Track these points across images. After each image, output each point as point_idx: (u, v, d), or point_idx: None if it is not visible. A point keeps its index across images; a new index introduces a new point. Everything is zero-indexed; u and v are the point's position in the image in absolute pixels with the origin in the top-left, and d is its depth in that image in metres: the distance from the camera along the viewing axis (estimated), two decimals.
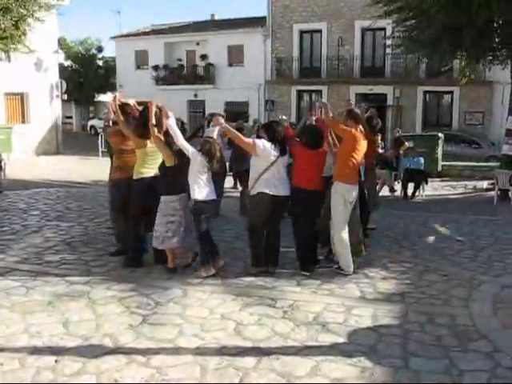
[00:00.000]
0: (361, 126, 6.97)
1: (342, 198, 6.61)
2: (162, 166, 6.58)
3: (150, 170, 6.79)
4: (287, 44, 31.07)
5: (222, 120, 6.55)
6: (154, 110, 6.58)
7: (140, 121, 6.77)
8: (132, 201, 6.87)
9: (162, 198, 6.54)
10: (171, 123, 6.44)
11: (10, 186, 13.62)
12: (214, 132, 6.88)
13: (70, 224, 9.33)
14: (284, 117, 8.04)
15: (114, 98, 7.25)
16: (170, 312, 5.36)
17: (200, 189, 6.41)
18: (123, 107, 7.17)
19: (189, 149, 6.38)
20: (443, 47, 12.78)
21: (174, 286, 6.11)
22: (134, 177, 6.79)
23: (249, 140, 6.62)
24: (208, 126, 9.14)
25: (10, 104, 24.01)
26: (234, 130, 6.66)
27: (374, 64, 29.68)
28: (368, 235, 7.84)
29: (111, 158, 7.73)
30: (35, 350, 4.46)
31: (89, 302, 5.60)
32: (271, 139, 6.55)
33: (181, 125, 10.12)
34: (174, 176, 6.46)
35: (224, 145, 9.82)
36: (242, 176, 9.68)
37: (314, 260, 6.93)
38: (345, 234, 6.68)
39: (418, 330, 5.02)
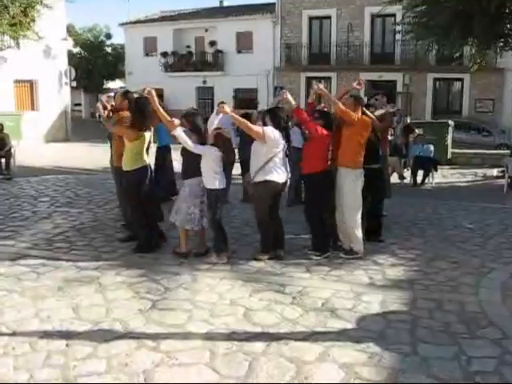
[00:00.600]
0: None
1: (360, 182, 6.74)
2: (186, 151, 6.59)
3: (142, 160, 6.79)
4: (296, 30, 30.92)
5: (227, 108, 6.50)
6: (156, 101, 6.57)
7: (136, 112, 6.73)
8: (127, 192, 6.92)
9: (190, 180, 6.61)
10: (179, 133, 6.42)
11: (19, 173, 13.69)
12: (216, 119, 6.78)
13: (80, 210, 9.38)
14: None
15: (101, 101, 7.32)
16: (180, 297, 5.39)
17: (215, 178, 6.44)
18: (127, 97, 7.18)
19: (201, 149, 6.43)
20: (454, 34, 12.66)
21: (184, 272, 6.14)
22: (126, 168, 6.77)
23: (258, 128, 6.55)
24: None
25: (20, 91, 24.11)
26: (242, 119, 6.61)
27: (383, 50, 29.51)
28: (381, 225, 7.82)
29: (111, 145, 7.72)
30: (46, 335, 4.51)
31: (99, 287, 5.64)
32: (277, 126, 6.56)
33: None
34: (199, 159, 6.50)
35: (235, 132, 9.80)
36: (247, 163, 9.64)
37: (328, 245, 6.96)
38: (359, 218, 6.82)
39: (426, 317, 5.02)
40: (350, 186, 6.70)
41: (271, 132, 6.45)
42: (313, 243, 6.88)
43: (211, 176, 6.42)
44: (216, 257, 6.55)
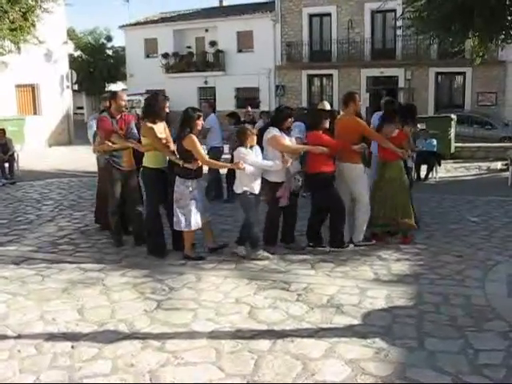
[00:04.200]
0: None
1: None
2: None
3: None
4: (296, 28, 30.89)
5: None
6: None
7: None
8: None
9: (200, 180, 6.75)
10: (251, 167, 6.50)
11: (23, 177, 13.74)
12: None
13: (84, 212, 9.39)
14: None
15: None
16: (185, 297, 5.38)
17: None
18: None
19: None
20: (455, 27, 12.60)
21: (188, 272, 6.14)
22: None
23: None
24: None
25: (22, 96, 24.12)
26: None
27: (384, 46, 29.44)
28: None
29: None
30: (51, 337, 4.51)
31: (103, 288, 5.64)
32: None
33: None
34: None
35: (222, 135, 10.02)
36: None
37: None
38: None
39: (432, 311, 5.00)
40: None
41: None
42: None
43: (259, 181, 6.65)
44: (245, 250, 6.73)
